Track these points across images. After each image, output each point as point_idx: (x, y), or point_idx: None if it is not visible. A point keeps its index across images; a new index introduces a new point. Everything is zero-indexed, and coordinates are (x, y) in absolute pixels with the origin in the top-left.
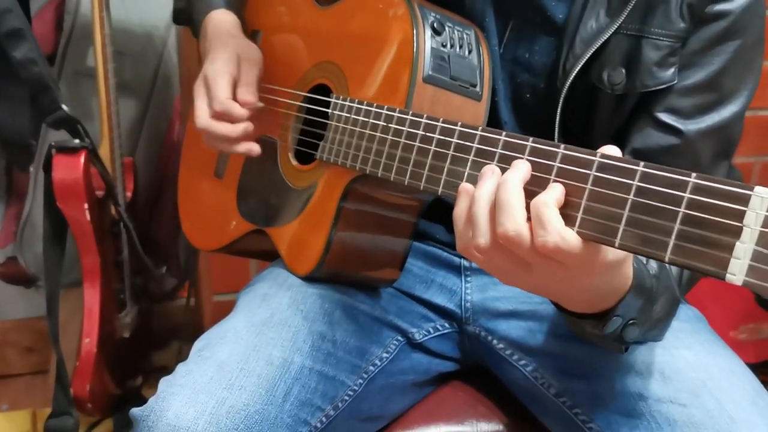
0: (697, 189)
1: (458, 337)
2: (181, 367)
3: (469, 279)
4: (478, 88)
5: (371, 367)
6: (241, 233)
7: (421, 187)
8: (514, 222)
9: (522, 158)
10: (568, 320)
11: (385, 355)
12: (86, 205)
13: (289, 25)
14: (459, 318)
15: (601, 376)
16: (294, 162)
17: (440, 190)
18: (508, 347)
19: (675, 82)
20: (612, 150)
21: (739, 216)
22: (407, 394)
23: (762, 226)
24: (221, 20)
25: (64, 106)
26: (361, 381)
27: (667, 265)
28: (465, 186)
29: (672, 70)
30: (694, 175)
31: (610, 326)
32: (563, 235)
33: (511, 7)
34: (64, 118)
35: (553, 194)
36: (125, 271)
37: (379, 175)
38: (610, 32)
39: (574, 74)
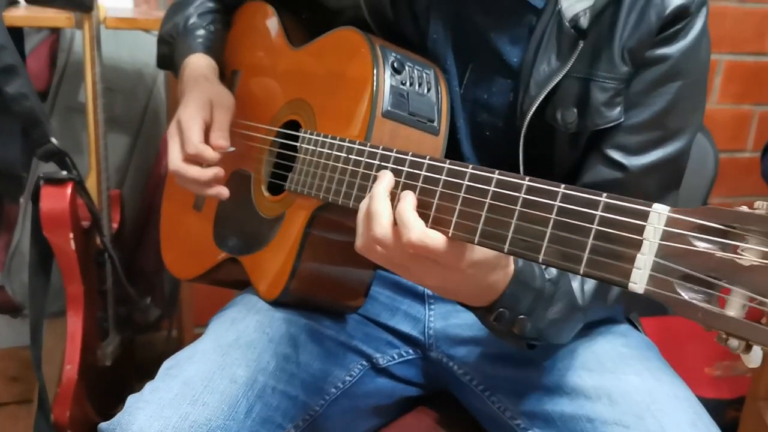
0: (608, 207)
1: (422, 363)
2: (148, 385)
3: (432, 307)
4: (436, 124)
5: (333, 389)
6: (217, 262)
7: None
8: (382, 227)
9: (388, 168)
10: (474, 314)
11: (348, 378)
12: (71, 235)
13: (266, 65)
14: (423, 344)
15: (552, 399)
16: (266, 193)
17: None
18: (467, 372)
19: (622, 120)
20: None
21: (640, 230)
22: (371, 417)
23: (660, 239)
24: (198, 65)
25: (53, 140)
26: (323, 402)
27: (568, 274)
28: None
29: (618, 109)
30: (605, 195)
31: (500, 317)
32: (427, 233)
33: (469, 51)
34: (53, 151)
35: (410, 200)
36: (109, 300)
37: (340, 202)
38: (560, 75)
39: (530, 114)
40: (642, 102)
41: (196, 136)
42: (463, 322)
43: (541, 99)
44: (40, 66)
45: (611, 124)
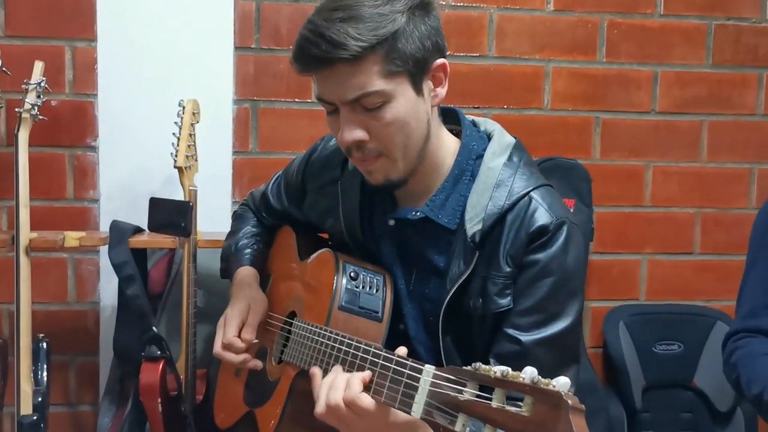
0: (412, 368)
1: None
2: None
3: None
4: (380, 314)
5: None
6: (241, 414)
7: None
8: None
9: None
10: None
11: None
12: (159, 400)
13: (284, 272)
14: None
15: None
16: (274, 363)
17: None
18: None
19: (511, 306)
20: (401, 350)
21: (417, 379)
22: None
23: (429, 386)
24: (243, 275)
25: (154, 328)
26: None
27: None
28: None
29: (508, 298)
30: (411, 360)
31: None
32: (360, 396)
33: (411, 261)
34: (153, 337)
35: (360, 374)
36: None
37: (305, 368)
38: (466, 275)
39: (446, 303)
40: (526, 293)
41: (231, 332)
42: None
43: (452, 292)
44: (159, 275)
45: (503, 309)
